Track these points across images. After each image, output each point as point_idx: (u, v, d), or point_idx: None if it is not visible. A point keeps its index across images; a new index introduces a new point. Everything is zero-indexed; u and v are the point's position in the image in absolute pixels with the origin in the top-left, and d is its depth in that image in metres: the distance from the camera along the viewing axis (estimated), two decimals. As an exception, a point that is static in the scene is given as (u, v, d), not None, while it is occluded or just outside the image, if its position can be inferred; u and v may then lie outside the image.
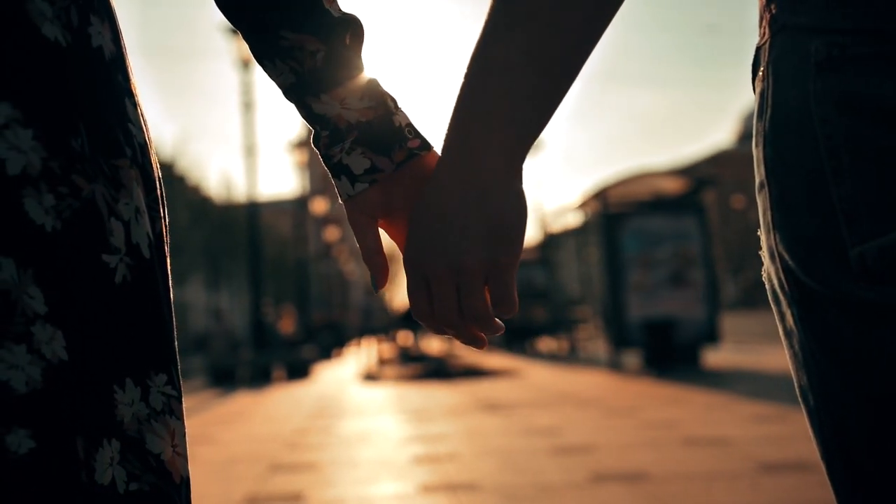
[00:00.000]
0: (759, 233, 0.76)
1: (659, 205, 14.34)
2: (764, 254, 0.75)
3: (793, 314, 0.72)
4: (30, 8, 0.72)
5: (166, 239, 0.84)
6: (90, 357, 0.73)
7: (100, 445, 0.74)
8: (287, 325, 22.57)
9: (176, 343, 0.83)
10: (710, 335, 13.49)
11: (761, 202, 0.74)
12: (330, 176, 0.86)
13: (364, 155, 0.84)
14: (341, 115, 0.84)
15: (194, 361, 22.22)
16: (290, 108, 0.88)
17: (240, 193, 35.23)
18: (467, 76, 0.76)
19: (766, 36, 0.74)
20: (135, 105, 0.81)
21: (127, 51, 0.84)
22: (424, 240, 0.77)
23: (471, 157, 0.75)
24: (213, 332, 18.42)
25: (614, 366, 13.84)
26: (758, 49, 0.75)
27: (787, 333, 0.74)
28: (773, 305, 0.76)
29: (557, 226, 24.86)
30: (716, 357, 14.01)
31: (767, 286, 0.76)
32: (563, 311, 22.99)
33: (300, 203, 36.42)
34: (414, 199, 0.81)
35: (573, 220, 21.13)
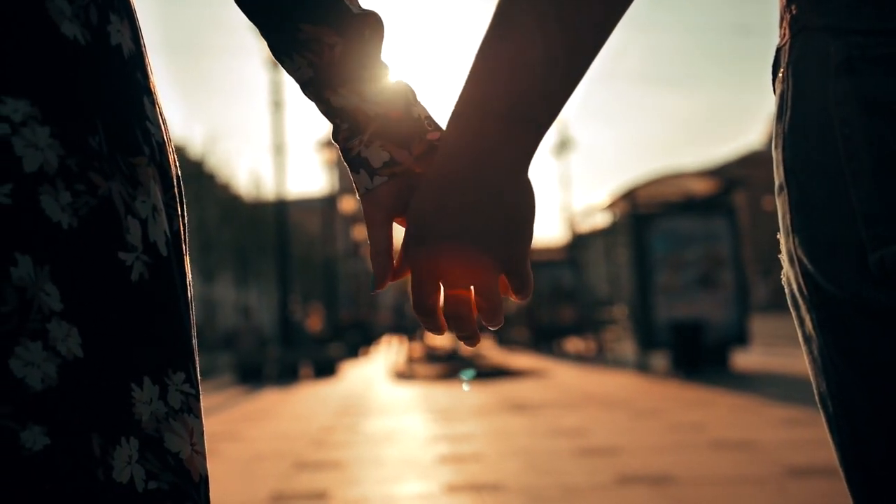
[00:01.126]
0: (778, 236, 0.75)
1: (688, 206, 14.25)
2: (783, 257, 0.74)
3: (812, 319, 0.71)
4: (49, 6, 0.72)
5: (184, 237, 0.84)
6: (106, 354, 0.73)
7: (117, 443, 0.74)
8: (315, 323, 22.67)
9: (194, 341, 0.83)
10: (739, 337, 13.38)
11: (780, 205, 0.73)
12: (348, 170, 0.86)
13: (383, 147, 0.84)
14: (360, 107, 0.84)
15: (222, 358, 22.36)
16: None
17: (269, 191, 35.42)
18: (479, 71, 0.75)
19: (787, 37, 0.73)
20: (153, 103, 0.82)
21: (147, 49, 0.84)
22: (441, 241, 0.76)
23: (488, 157, 0.74)
24: (242, 329, 18.54)
25: (642, 367, 13.77)
26: (778, 50, 0.74)
27: (807, 339, 0.73)
28: (792, 310, 0.75)
29: (586, 226, 24.76)
30: (745, 359, 13.89)
31: (787, 290, 0.75)
32: (590, 312, 22.89)
33: (329, 201, 36.56)
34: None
35: (602, 220, 21.03)
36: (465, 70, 0.77)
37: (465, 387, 12.53)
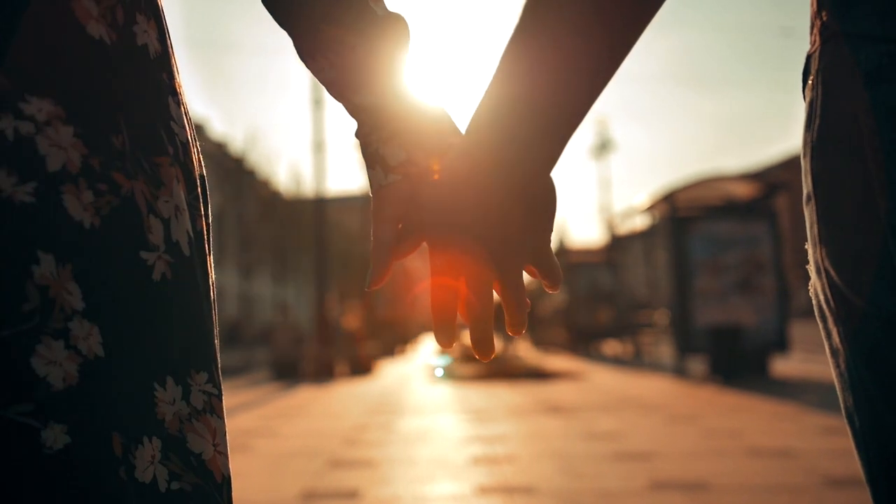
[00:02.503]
0: (806, 246, 0.73)
1: (729, 209, 14.09)
2: (810, 268, 0.72)
3: (839, 332, 0.69)
4: (75, 6, 0.72)
5: (207, 237, 0.84)
6: (128, 353, 0.73)
7: (140, 443, 0.74)
8: (352, 320, 22.74)
9: (216, 340, 0.83)
10: (780, 343, 13.20)
11: (808, 215, 0.71)
12: (364, 166, 0.86)
13: (401, 146, 0.84)
14: (381, 105, 0.84)
15: (259, 354, 22.52)
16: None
17: (308, 189, 35.59)
18: (506, 71, 0.73)
19: (817, 44, 0.71)
20: (178, 103, 0.82)
21: (173, 49, 0.85)
22: (465, 239, 0.76)
23: (514, 158, 0.73)
24: (279, 325, 18.66)
25: (679, 371, 13.64)
26: (808, 57, 0.73)
27: (833, 352, 0.71)
28: (819, 322, 0.73)
29: (625, 228, 24.60)
30: (784, 366, 13.71)
31: (814, 302, 0.73)
32: (628, 315, 22.75)
33: (368, 199, 36.60)
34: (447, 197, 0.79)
35: (641, 222, 20.88)
36: (490, 68, 0.76)
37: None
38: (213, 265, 0.86)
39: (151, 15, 0.80)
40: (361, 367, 17.39)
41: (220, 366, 0.83)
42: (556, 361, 19.07)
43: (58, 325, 0.70)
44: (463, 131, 0.82)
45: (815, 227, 0.70)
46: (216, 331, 0.84)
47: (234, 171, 30.30)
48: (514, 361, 18.03)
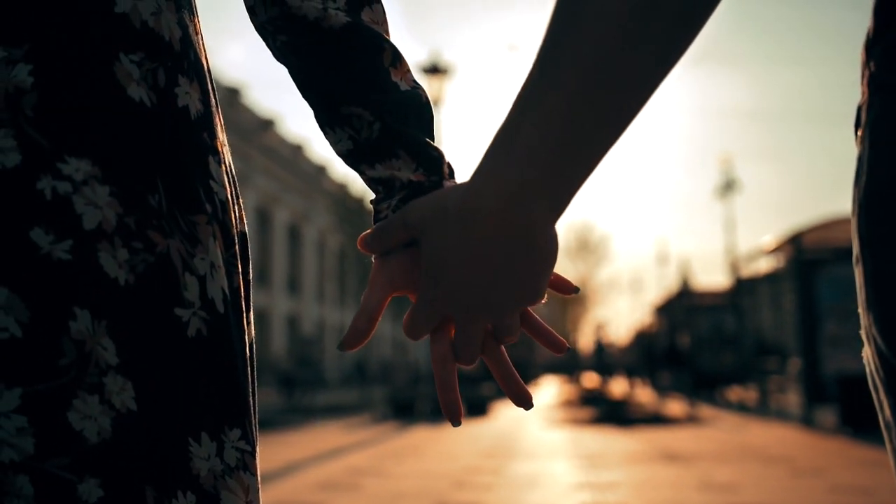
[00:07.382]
0: (860, 310, 0.68)
1: (860, 252, 13.50)
2: (863, 334, 0.67)
3: (890, 405, 0.64)
4: (117, 69, 0.75)
5: (245, 294, 0.85)
6: (161, 409, 0.74)
7: (174, 497, 0.74)
8: (468, 361, 22.73)
9: (253, 397, 0.83)
10: (916, 394, 12.49)
11: (858, 278, 0.66)
12: None
13: None
14: (395, 175, 0.85)
15: (377, 392, 22.76)
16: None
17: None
18: (517, 125, 0.70)
19: (865, 95, 0.66)
20: (219, 162, 0.83)
21: (218, 108, 0.86)
22: (464, 293, 0.74)
23: (523, 215, 0.70)
24: (396, 364, 18.84)
25: (806, 421, 13.06)
26: (858, 109, 0.68)
27: (886, 426, 0.65)
28: (872, 393, 0.67)
29: (750, 270, 23.85)
30: (922, 418, 12.94)
31: (867, 370, 0.68)
32: (753, 360, 21.98)
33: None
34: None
35: (767, 264, 20.21)
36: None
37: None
38: (251, 322, 0.87)
39: (194, 76, 0.82)
40: (478, 408, 17.33)
41: (255, 422, 0.83)
42: (676, 406, 18.55)
43: (93, 379, 0.71)
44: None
45: (864, 291, 0.65)
46: (253, 387, 0.84)
47: (355, 211, 31.11)
48: (633, 406, 17.66)
